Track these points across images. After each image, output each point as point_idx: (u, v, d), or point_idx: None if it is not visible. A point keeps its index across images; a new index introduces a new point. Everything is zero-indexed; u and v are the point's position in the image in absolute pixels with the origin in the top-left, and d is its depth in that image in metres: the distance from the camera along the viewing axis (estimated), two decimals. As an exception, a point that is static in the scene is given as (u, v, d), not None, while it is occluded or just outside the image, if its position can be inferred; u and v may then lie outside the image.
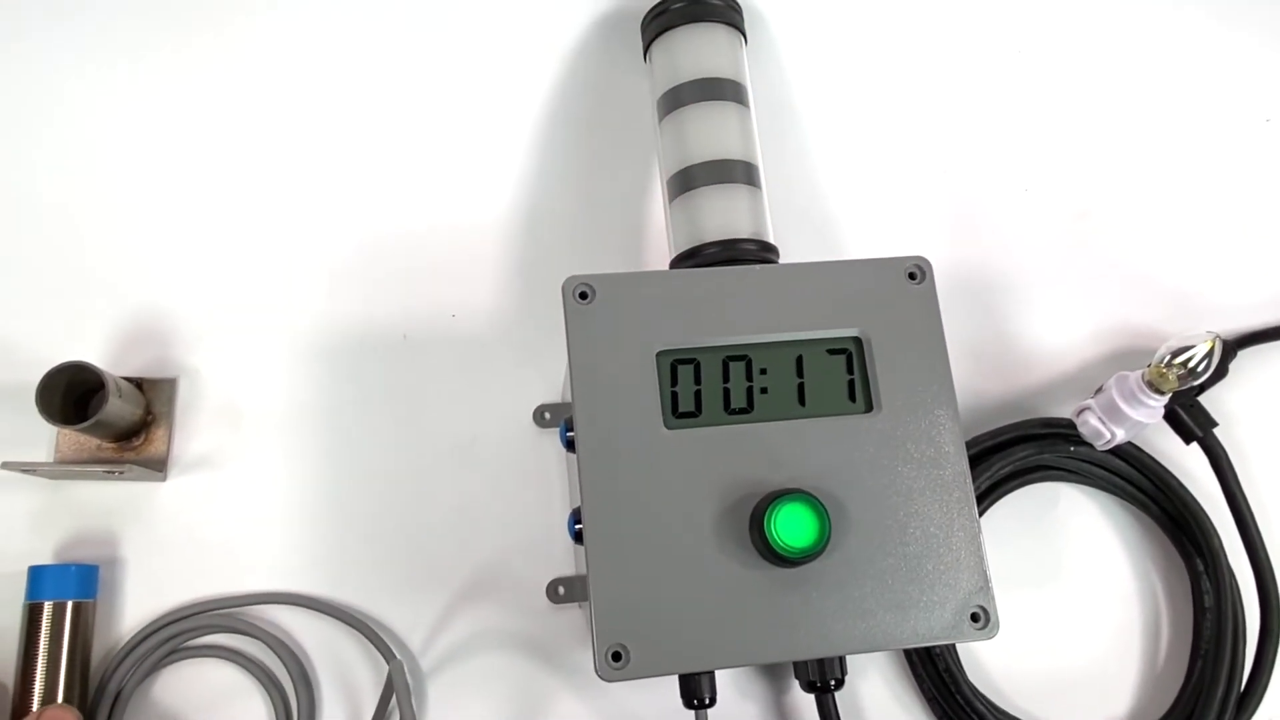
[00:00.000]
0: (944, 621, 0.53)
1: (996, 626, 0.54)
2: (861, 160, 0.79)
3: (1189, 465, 0.71)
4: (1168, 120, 0.82)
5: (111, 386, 0.61)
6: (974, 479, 0.67)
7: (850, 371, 0.58)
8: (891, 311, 0.58)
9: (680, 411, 0.56)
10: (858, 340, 0.58)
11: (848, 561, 0.53)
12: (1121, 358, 0.76)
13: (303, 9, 0.78)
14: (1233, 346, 0.74)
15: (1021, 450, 0.70)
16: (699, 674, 0.55)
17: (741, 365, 0.57)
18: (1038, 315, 0.76)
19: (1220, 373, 0.72)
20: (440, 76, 0.78)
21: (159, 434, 0.67)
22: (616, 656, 0.51)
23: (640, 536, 0.53)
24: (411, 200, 0.75)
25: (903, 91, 0.81)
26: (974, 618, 0.54)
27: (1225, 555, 0.68)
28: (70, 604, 0.62)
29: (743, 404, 0.56)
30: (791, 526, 0.52)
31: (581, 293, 0.57)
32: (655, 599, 0.52)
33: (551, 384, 0.71)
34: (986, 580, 0.54)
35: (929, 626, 0.53)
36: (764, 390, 0.57)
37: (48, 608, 0.61)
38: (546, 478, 0.69)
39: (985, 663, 0.69)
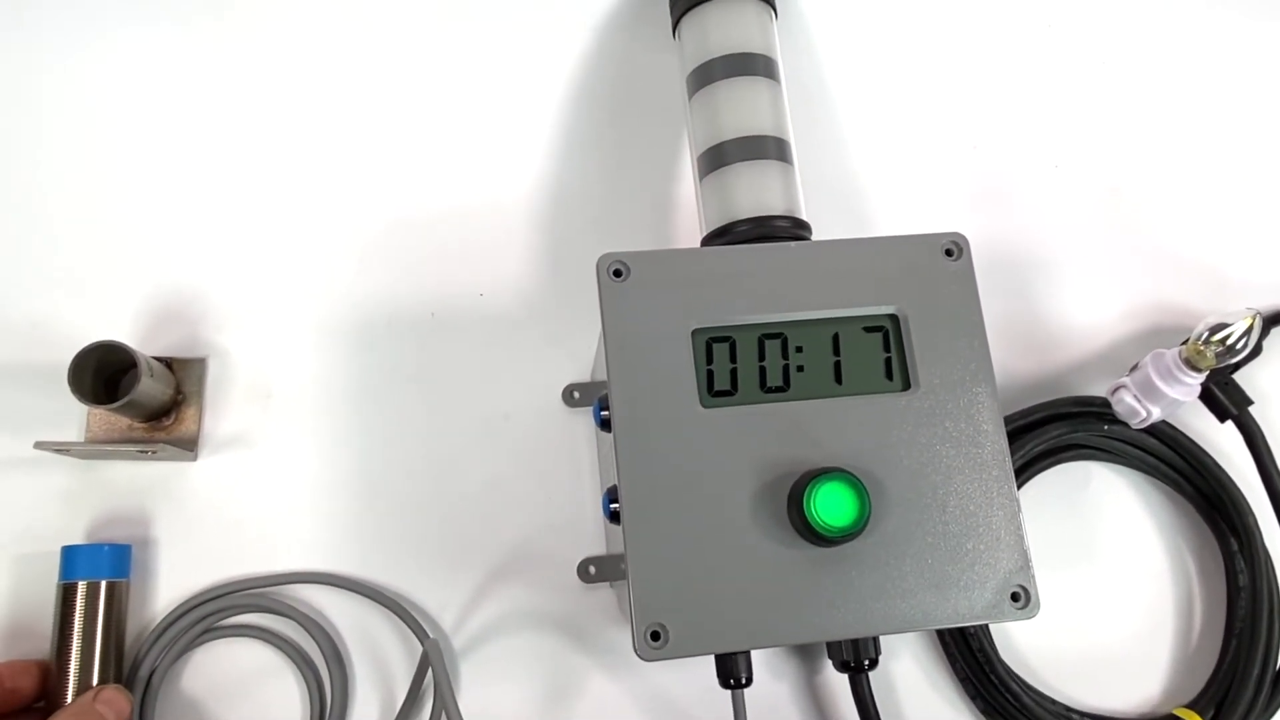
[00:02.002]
0: (984, 601, 0.53)
1: (1037, 606, 0.53)
2: (892, 136, 0.79)
3: (1223, 444, 0.70)
4: (1199, 96, 0.82)
5: (143, 366, 0.61)
6: (1007, 457, 0.67)
7: (887, 349, 0.57)
8: (928, 289, 0.58)
9: (716, 390, 0.55)
10: (894, 318, 0.57)
11: (887, 541, 0.53)
12: (1153, 335, 0.75)
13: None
14: (1267, 324, 0.73)
15: (1054, 429, 0.70)
16: (736, 654, 0.55)
17: (777, 343, 0.56)
18: (1069, 293, 0.76)
19: (1256, 350, 0.72)
20: (468, 55, 0.77)
21: (189, 413, 0.67)
22: (655, 636, 0.50)
23: (677, 516, 0.52)
24: (440, 179, 0.74)
25: (932, 67, 0.80)
26: (1014, 597, 0.53)
27: (1260, 534, 0.68)
28: (104, 583, 0.62)
29: (779, 382, 0.56)
30: (831, 505, 0.51)
31: (616, 270, 0.56)
32: (693, 578, 0.52)
33: (580, 363, 0.70)
34: (1027, 559, 0.54)
35: (969, 606, 0.53)
36: (800, 368, 0.56)
37: (81, 587, 0.61)
38: (576, 457, 0.69)
39: (1018, 642, 0.68)
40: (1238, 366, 0.68)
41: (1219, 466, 0.69)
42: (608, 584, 0.66)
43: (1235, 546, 0.69)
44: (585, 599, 0.67)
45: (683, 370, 0.55)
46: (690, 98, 0.68)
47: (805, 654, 0.67)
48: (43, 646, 0.62)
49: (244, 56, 0.76)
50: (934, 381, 0.56)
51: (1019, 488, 0.68)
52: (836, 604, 0.52)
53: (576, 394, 0.70)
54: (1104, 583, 0.71)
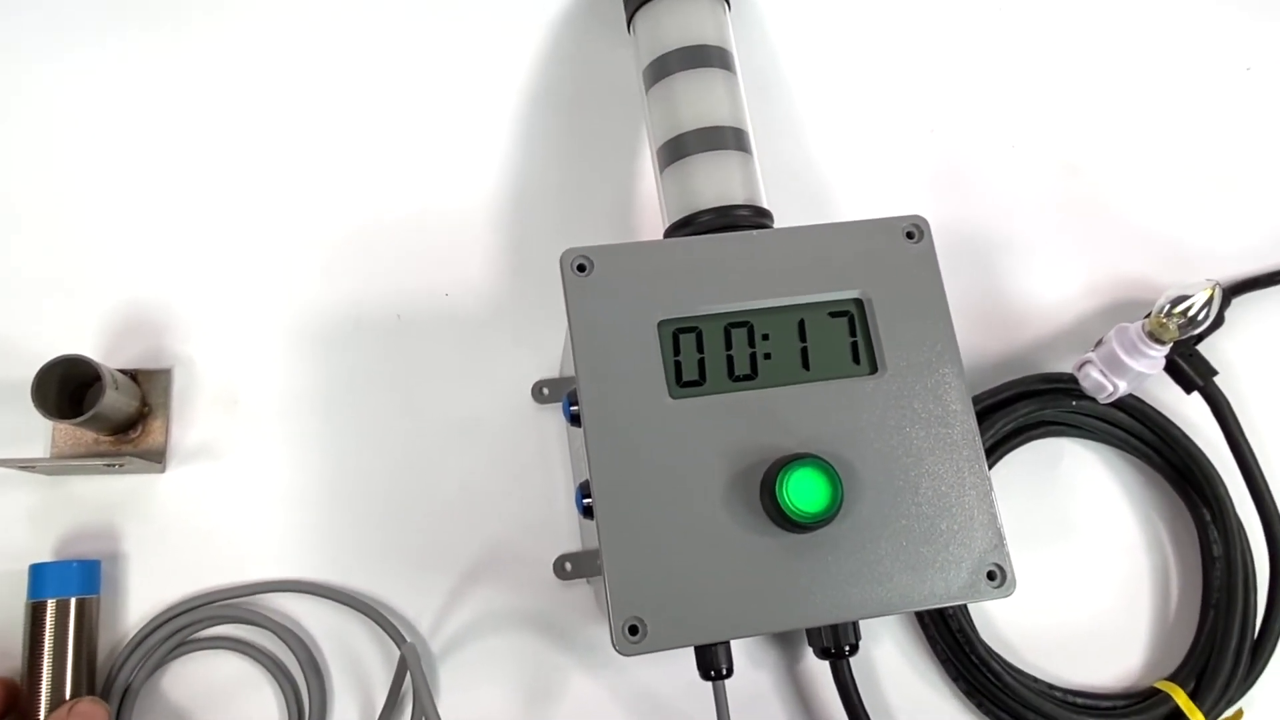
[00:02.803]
0: (961, 581, 0.53)
1: (1013, 584, 0.53)
2: (849, 122, 0.79)
3: (1191, 416, 0.71)
4: (1151, 72, 0.82)
5: (107, 379, 0.60)
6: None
7: (853, 334, 0.57)
8: (891, 272, 0.58)
9: (684, 381, 0.55)
10: (859, 302, 0.57)
11: (861, 525, 0.53)
12: (1117, 309, 0.76)
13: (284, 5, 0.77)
14: (1227, 294, 0.74)
15: (1023, 407, 0.70)
16: (716, 645, 0.54)
17: (743, 332, 0.56)
18: (1032, 271, 0.76)
19: (1218, 321, 0.72)
20: (424, 57, 0.77)
21: (156, 425, 0.66)
22: (633, 630, 0.50)
23: (651, 508, 0.52)
24: (402, 182, 0.74)
25: (887, 51, 0.81)
26: (990, 576, 0.53)
27: (1232, 503, 0.68)
28: (73, 601, 0.61)
29: (746, 370, 0.56)
30: (804, 491, 0.51)
31: (580, 265, 0.56)
32: (669, 570, 0.51)
33: (548, 359, 0.70)
34: (1001, 538, 0.54)
35: (946, 587, 0.53)
36: (767, 356, 0.56)
37: (51, 606, 0.60)
38: (548, 453, 0.69)
39: (997, 621, 0.69)
40: (1201, 337, 0.69)
41: (1187, 438, 0.70)
42: (584, 580, 0.66)
43: (1208, 517, 0.69)
44: (562, 596, 0.66)
45: (650, 362, 0.55)
46: (647, 91, 0.68)
47: (786, 642, 0.67)
48: (14, 666, 0.61)
49: (203, 65, 0.75)
50: (901, 364, 0.56)
51: (990, 467, 0.68)
52: (813, 590, 0.52)
53: (546, 390, 0.70)
54: (1080, 558, 0.71)
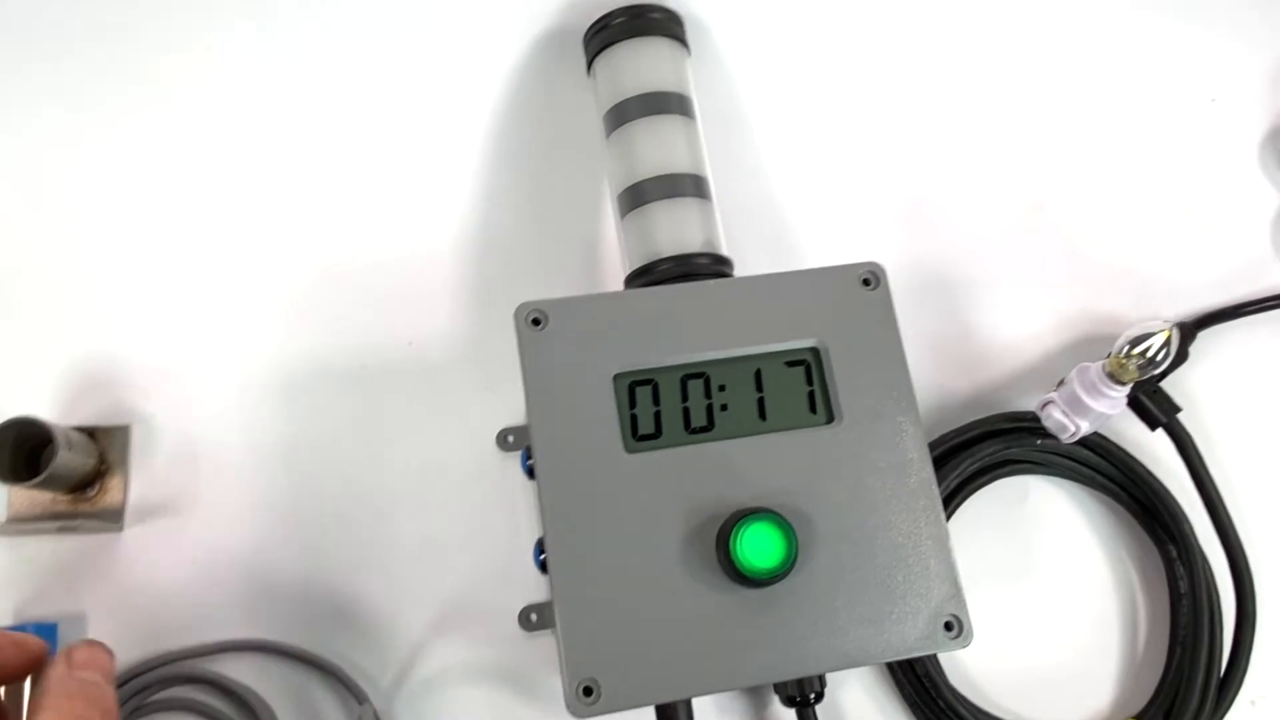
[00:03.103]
0: (917, 632, 0.53)
1: (970, 634, 0.53)
2: (814, 163, 0.78)
3: (1158, 450, 0.70)
4: (1115, 105, 0.82)
5: (60, 440, 0.60)
6: (942, 478, 0.67)
7: (810, 383, 0.57)
8: (847, 319, 0.58)
9: (640, 434, 0.55)
10: (815, 350, 0.57)
11: (817, 579, 0.53)
12: (1084, 345, 0.76)
13: (242, 44, 0.76)
14: (1192, 329, 0.74)
15: (988, 446, 0.70)
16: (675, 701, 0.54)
17: (700, 383, 0.56)
18: (999, 308, 0.76)
19: (1181, 357, 0.72)
20: (383, 104, 0.77)
21: (114, 483, 0.66)
22: (588, 691, 0.50)
23: (606, 565, 0.52)
24: (362, 230, 0.74)
25: (850, 92, 0.81)
26: (947, 626, 0.53)
27: (1197, 540, 0.68)
28: (30, 665, 0.60)
29: (703, 422, 0.56)
30: (757, 547, 0.51)
31: (534, 319, 0.56)
32: (625, 628, 0.51)
33: (513, 407, 0.70)
34: (958, 588, 0.54)
35: (903, 639, 0.53)
36: (724, 407, 0.56)
37: (7, 670, 0.60)
38: (513, 502, 0.69)
39: (965, 663, 0.68)
40: (1165, 374, 0.68)
41: (1152, 475, 0.70)
42: (549, 631, 0.66)
43: (1174, 554, 0.69)
44: (529, 648, 0.66)
45: (605, 416, 0.55)
46: (607, 137, 0.68)
47: (752, 690, 0.66)
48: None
49: (159, 114, 0.75)
50: (857, 412, 0.56)
51: (957, 507, 0.68)
52: (771, 646, 0.52)
53: (510, 438, 0.69)
54: (1048, 596, 0.70)
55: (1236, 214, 0.81)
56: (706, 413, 0.56)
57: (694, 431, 0.56)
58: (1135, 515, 0.71)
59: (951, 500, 0.69)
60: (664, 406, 0.56)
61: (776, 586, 0.52)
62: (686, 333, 0.57)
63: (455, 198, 0.75)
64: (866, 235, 0.77)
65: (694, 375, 0.56)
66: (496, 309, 0.71)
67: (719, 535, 0.52)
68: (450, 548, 0.67)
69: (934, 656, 0.66)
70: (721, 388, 0.56)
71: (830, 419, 0.56)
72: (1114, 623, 0.71)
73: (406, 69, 0.77)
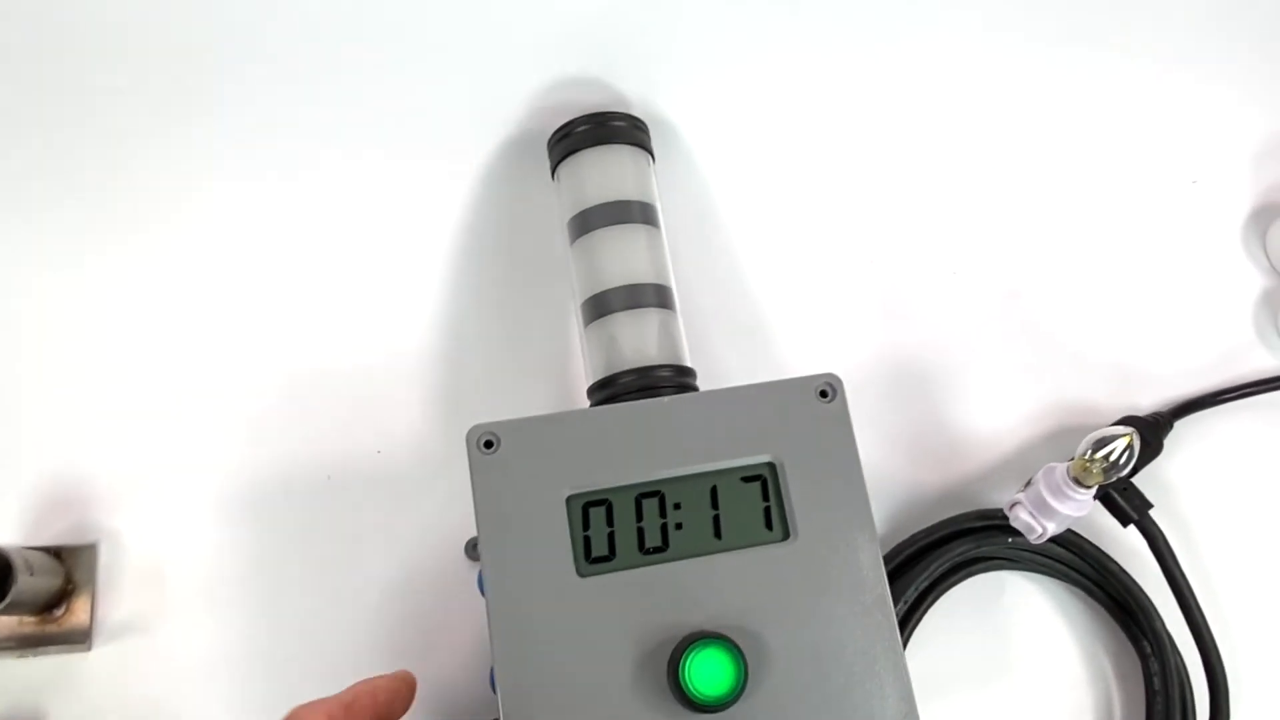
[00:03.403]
0: (871, 754, 0.52)
1: (925, 755, 0.53)
2: (785, 260, 0.79)
3: (1132, 543, 0.70)
4: (1094, 190, 0.82)
5: (20, 566, 0.60)
6: (913, 578, 0.68)
7: (766, 499, 0.57)
8: (804, 433, 0.58)
9: (594, 556, 0.55)
10: (772, 465, 0.57)
11: (770, 703, 0.52)
12: (1061, 436, 0.76)
13: (205, 155, 0.76)
14: (1169, 418, 0.74)
15: (959, 545, 0.69)
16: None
17: (655, 502, 0.56)
18: (973, 399, 0.76)
19: (1155, 450, 0.72)
20: (348, 212, 0.77)
21: (80, 604, 0.66)
22: (536, 825, 0.50)
23: (556, 689, 0.52)
24: (329, 339, 0.74)
25: (822, 186, 0.81)
26: (901, 746, 0.53)
27: (1170, 637, 0.68)
28: (-2, 789, 0.61)
29: (658, 542, 0.56)
30: (706, 673, 0.51)
31: (487, 442, 0.56)
32: (574, 755, 0.51)
33: (482, 515, 0.70)
34: (912, 706, 0.53)
35: (857, 761, 0.52)
36: (679, 526, 0.56)
37: (-25, 796, 0.60)
38: (480, 611, 0.68)
39: (941, 762, 0.68)
40: (1134, 473, 0.68)
41: (1124, 572, 0.69)
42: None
43: (1148, 650, 0.69)
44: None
45: (558, 539, 0.54)
46: (570, 245, 0.69)
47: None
48: None
49: (115, 235, 0.75)
50: (813, 529, 0.56)
51: (928, 607, 0.68)
52: None
53: (479, 548, 0.69)
54: (1023, 693, 0.70)
55: (1218, 298, 0.81)
56: (661, 532, 0.56)
57: (648, 552, 0.55)
58: (1110, 611, 0.71)
59: (924, 599, 0.69)
60: (618, 527, 0.55)
61: (729, 711, 0.52)
62: (641, 451, 0.56)
63: (422, 304, 0.75)
64: (840, 330, 0.77)
65: (649, 494, 0.56)
66: (466, 416, 0.70)
67: (670, 660, 0.52)
68: (421, 658, 0.67)
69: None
70: (677, 506, 0.56)
71: (786, 535, 0.56)
72: (1090, 719, 0.70)
73: (371, 176, 0.77)
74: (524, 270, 0.77)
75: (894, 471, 0.74)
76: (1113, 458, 0.62)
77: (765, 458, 0.57)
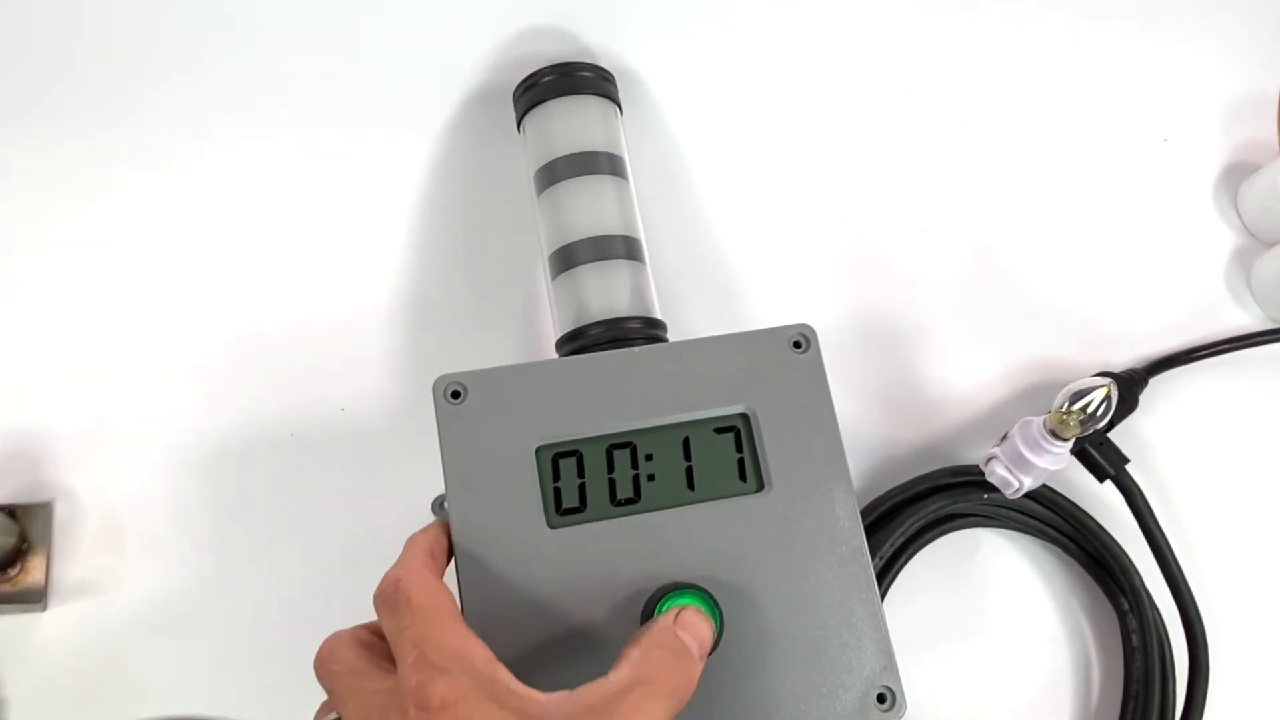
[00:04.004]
0: (849, 706, 0.51)
1: (904, 706, 0.52)
2: (755, 216, 0.78)
3: (1109, 498, 0.69)
4: (1065, 147, 0.82)
5: (-26, 524, 0.58)
6: (888, 535, 0.67)
7: (739, 450, 0.56)
8: (778, 384, 0.57)
9: (564, 508, 0.54)
10: (745, 416, 0.56)
11: (745, 655, 0.51)
12: (1034, 393, 0.75)
13: (165, 107, 0.75)
14: (1144, 375, 0.73)
15: (934, 502, 0.69)
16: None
17: (626, 453, 0.55)
18: (946, 357, 0.75)
19: (1132, 405, 0.71)
20: (312, 167, 0.75)
21: (35, 562, 0.64)
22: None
23: (527, 645, 0.51)
24: (290, 294, 0.72)
25: (792, 140, 0.80)
26: (880, 699, 0.52)
27: (1148, 594, 0.67)
28: (-52, 753, 0.59)
29: (629, 494, 0.54)
30: (682, 624, 0.49)
31: (454, 392, 0.55)
32: (545, 710, 0.50)
33: (448, 472, 0.69)
34: (891, 658, 0.52)
35: (834, 713, 0.51)
36: (651, 477, 0.55)
37: (-76, 760, 0.58)
38: (450, 572, 0.67)
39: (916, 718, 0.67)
40: (1111, 426, 0.67)
41: (1101, 528, 0.69)
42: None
43: (1126, 606, 0.68)
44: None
45: (528, 491, 0.53)
46: (537, 197, 0.67)
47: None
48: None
49: (71, 184, 0.74)
50: (788, 480, 0.55)
51: (904, 564, 0.68)
52: None
53: (446, 504, 0.68)
54: (999, 651, 0.70)
55: (1190, 256, 0.80)
56: (633, 484, 0.55)
57: (620, 504, 0.54)
58: (1086, 567, 0.70)
59: (899, 556, 0.68)
60: (589, 478, 0.54)
61: (705, 662, 0.50)
62: (612, 401, 0.55)
63: (388, 259, 0.74)
64: (812, 284, 0.76)
65: (620, 445, 0.55)
66: (432, 372, 0.68)
67: (643, 612, 0.51)
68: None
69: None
70: (649, 457, 0.55)
71: (760, 487, 0.55)
72: (1066, 677, 0.70)
73: (333, 130, 0.76)
74: (489, 224, 0.75)
75: (865, 428, 0.73)
76: (1090, 409, 0.61)
77: (738, 409, 0.56)
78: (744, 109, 0.80)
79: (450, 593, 0.48)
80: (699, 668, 0.47)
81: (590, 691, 0.43)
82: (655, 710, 0.44)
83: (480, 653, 0.45)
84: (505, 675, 0.44)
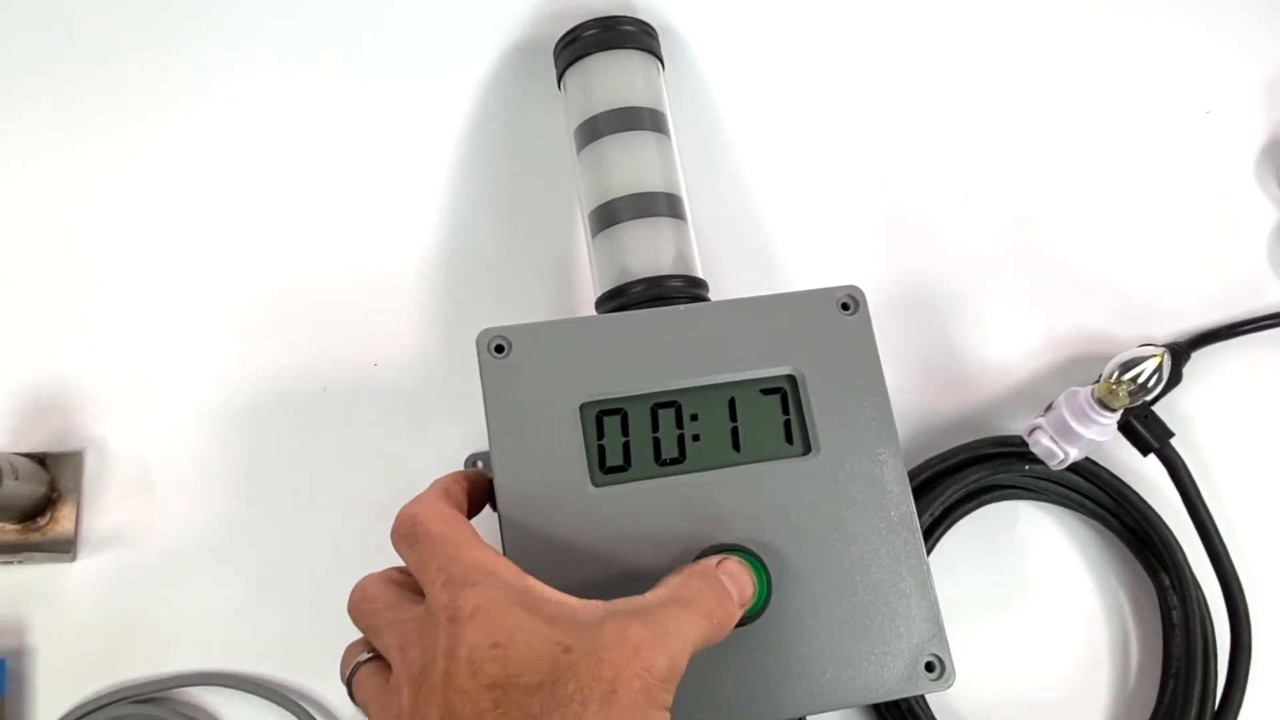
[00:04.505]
0: (897, 674, 0.51)
1: (953, 675, 0.51)
2: (795, 178, 0.76)
3: (1150, 474, 0.68)
4: (1107, 118, 0.80)
5: (5, 469, 0.58)
6: (926, 504, 0.66)
7: (786, 412, 0.55)
8: (825, 345, 0.56)
9: (608, 466, 0.53)
10: (792, 378, 0.55)
11: (792, 618, 0.51)
12: (1074, 365, 0.74)
13: (201, 61, 0.74)
14: (1186, 349, 0.72)
15: (975, 472, 0.67)
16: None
17: (671, 412, 0.54)
18: (985, 326, 0.74)
19: (1175, 379, 0.70)
20: (348, 120, 0.74)
21: (65, 512, 0.63)
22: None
23: None
24: (326, 249, 0.72)
25: (833, 105, 0.78)
26: (929, 667, 0.51)
27: (1190, 569, 0.66)
28: (-24, 701, 0.58)
29: (674, 454, 0.54)
30: (730, 586, 0.48)
31: (497, 346, 0.54)
32: (588, 672, 0.49)
33: (483, 431, 0.67)
34: (940, 626, 0.52)
35: (882, 681, 0.51)
36: (696, 437, 0.54)
37: (-48, 709, 0.58)
38: (483, 530, 0.66)
39: (951, 694, 0.66)
40: (1157, 399, 0.66)
41: (1144, 502, 0.67)
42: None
43: (1167, 583, 0.67)
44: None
45: (571, 448, 0.52)
46: (578, 153, 0.66)
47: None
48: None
49: (109, 135, 0.73)
50: (835, 443, 0.54)
51: (943, 534, 0.66)
52: (745, 690, 0.50)
53: (480, 463, 0.67)
54: (1037, 626, 0.68)
55: (1232, 229, 0.79)
56: (678, 443, 0.54)
57: (664, 463, 0.53)
58: (1127, 542, 0.69)
59: (937, 527, 0.67)
60: (633, 437, 0.53)
61: (749, 628, 0.50)
62: (657, 360, 0.54)
63: (423, 215, 0.73)
64: (849, 251, 0.75)
65: (665, 404, 0.54)
66: (466, 329, 0.68)
67: (690, 573, 0.50)
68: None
69: (917, 692, 0.64)
70: (694, 417, 0.54)
71: (807, 450, 0.54)
72: (1104, 653, 0.69)
73: (372, 84, 0.75)
74: (527, 180, 0.74)
75: (903, 398, 0.71)
76: (1141, 379, 0.60)
77: (785, 370, 0.55)
78: (785, 70, 0.78)
79: (467, 521, 0.48)
80: (737, 612, 0.47)
81: (625, 602, 0.44)
82: (688, 627, 0.43)
83: (507, 566, 0.44)
84: (535, 584, 0.44)
